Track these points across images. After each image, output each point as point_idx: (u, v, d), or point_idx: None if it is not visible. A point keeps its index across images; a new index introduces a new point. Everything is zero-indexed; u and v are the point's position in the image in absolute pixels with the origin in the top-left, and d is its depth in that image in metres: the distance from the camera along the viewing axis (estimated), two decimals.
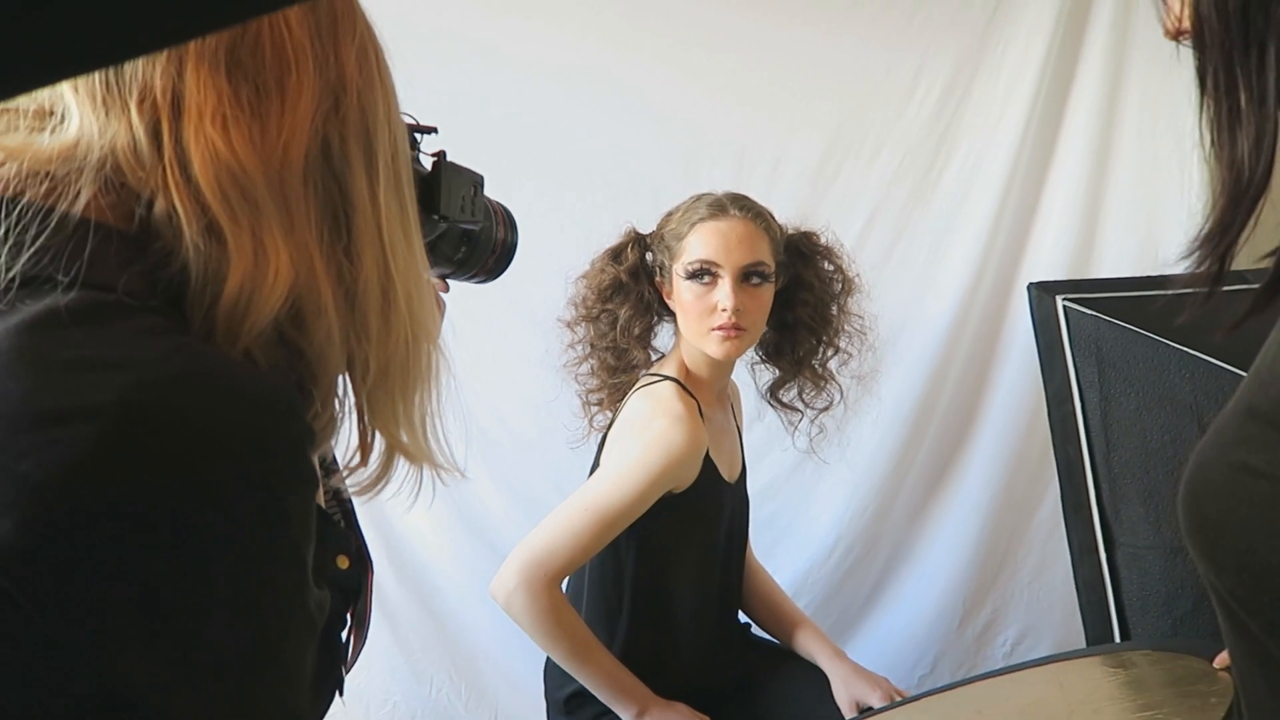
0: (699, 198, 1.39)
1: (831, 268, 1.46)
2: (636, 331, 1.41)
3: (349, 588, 0.63)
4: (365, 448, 0.57)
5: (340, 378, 0.55)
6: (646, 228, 1.46)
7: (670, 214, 1.41)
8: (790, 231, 1.44)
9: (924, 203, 1.89)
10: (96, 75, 0.48)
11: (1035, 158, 1.88)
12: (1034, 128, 1.87)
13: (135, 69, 0.48)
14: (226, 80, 0.49)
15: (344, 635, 0.63)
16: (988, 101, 1.87)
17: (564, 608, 1.27)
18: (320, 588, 0.51)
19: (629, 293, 1.41)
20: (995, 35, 1.87)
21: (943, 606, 1.95)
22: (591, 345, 1.45)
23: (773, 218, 1.40)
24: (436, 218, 0.67)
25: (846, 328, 1.47)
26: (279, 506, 0.45)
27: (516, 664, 1.82)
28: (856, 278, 1.47)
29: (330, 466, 0.60)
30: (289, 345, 0.51)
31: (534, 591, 1.23)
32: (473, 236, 0.77)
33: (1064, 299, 1.44)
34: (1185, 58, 1.63)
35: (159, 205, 0.48)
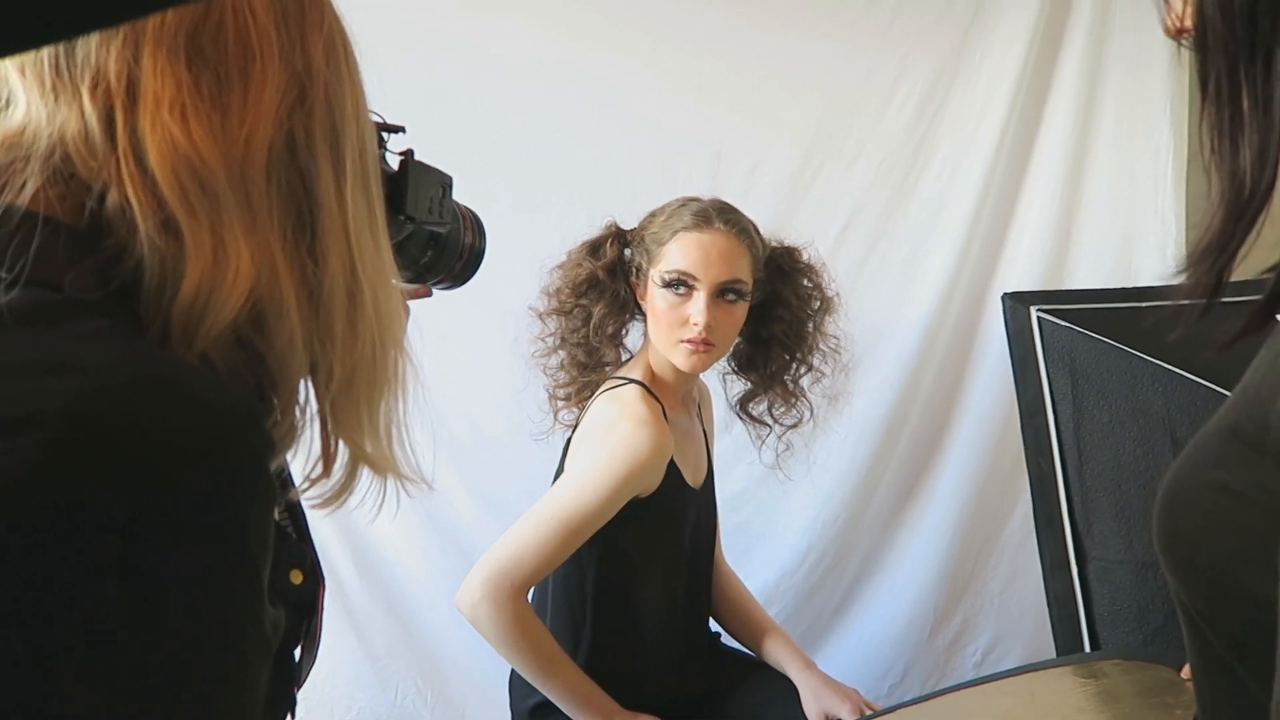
0: (685, 203, 1.36)
1: (810, 285, 1.45)
2: (609, 330, 1.39)
3: (303, 603, 0.60)
4: (328, 458, 0.55)
5: (303, 384, 0.53)
6: (625, 225, 1.44)
7: (654, 215, 1.39)
8: (773, 245, 1.43)
9: (901, 209, 1.90)
10: (45, 58, 0.46)
11: (1011, 166, 1.89)
12: (1010, 136, 1.88)
13: (88, 52, 0.46)
14: (186, 67, 0.46)
15: (296, 654, 0.60)
16: (965, 108, 1.88)
17: (529, 619, 1.25)
18: (275, 606, 0.49)
19: (604, 290, 1.38)
20: (974, 42, 1.88)
21: (913, 616, 1.95)
22: (562, 339, 1.42)
23: (757, 232, 1.38)
24: (403, 219, 0.65)
25: (821, 346, 1.46)
26: (237, 523, 0.42)
27: (483, 671, 1.80)
28: (835, 297, 1.46)
29: (285, 478, 0.57)
30: (249, 349, 0.49)
31: (499, 603, 1.21)
32: (440, 240, 0.75)
33: (1038, 310, 1.43)
34: (1162, 70, 1.63)
35: (111, 198, 0.46)
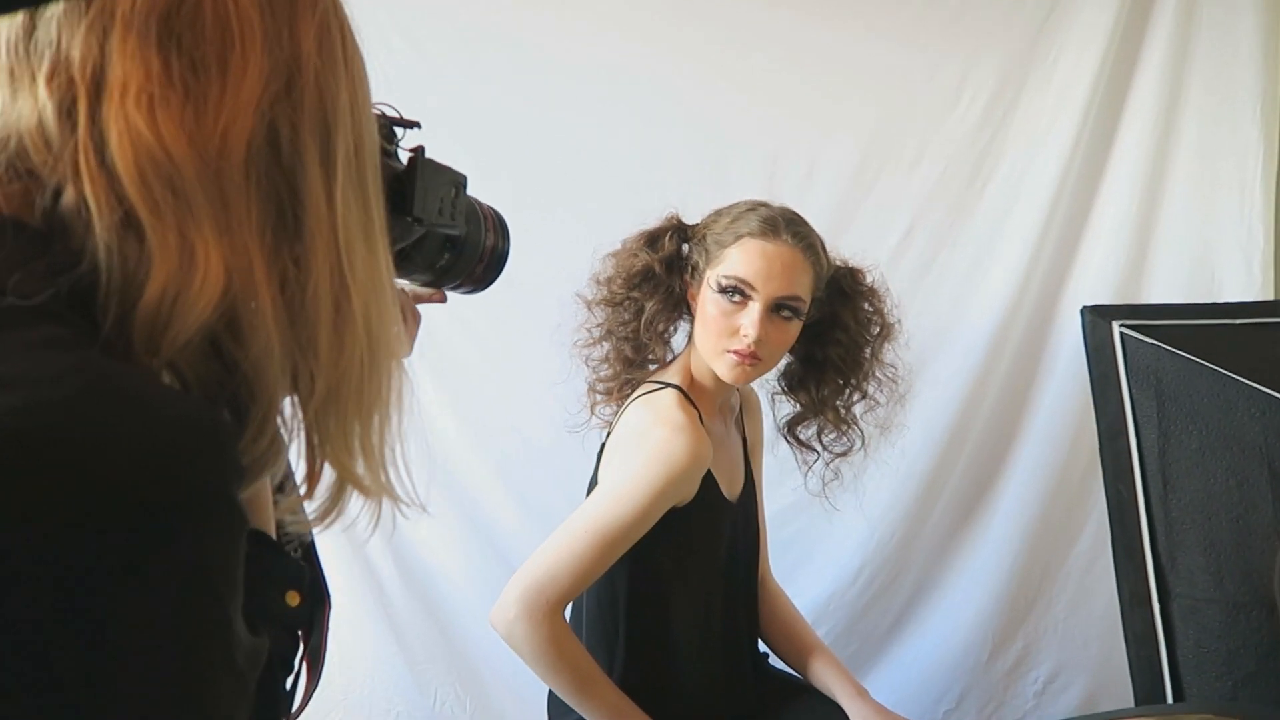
0: (754, 208, 1.30)
1: (871, 310, 1.38)
2: (660, 327, 1.33)
3: (299, 627, 0.57)
4: (312, 477, 0.51)
5: (291, 399, 0.49)
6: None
7: (720, 214, 1.32)
8: (837, 265, 1.37)
9: (965, 216, 1.83)
10: (2, 42, 0.42)
11: (1085, 172, 1.81)
12: (1085, 141, 1.80)
13: (50, 35, 0.42)
14: (157, 53, 0.42)
15: (289, 682, 0.56)
16: (1036, 111, 1.81)
17: (566, 638, 1.20)
18: (257, 633, 0.46)
19: (659, 284, 1.32)
20: (1047, 42, 1.80)
21: (971, 639, 1.88)
22: (609, 331, 1.36)
23: (824, 250, 1.32)
24: (410, 220, 0.60)
25: (877, 374, 1.39)
26: (195, 554, 0.38)
27: (522, 679, 1.75)
28: (896, 324, 1.39)
29: (277, 496, 0.53)
30: (223, 359, 0.45)
31: (535, 621, 1.16)
32: (457, 243, 0.71)
33: (1121, 325, 1.34)
34: (1250, 69, 1.53)
35: (68, 195, 0.42)
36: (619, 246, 1.36)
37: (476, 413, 1.80)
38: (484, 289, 0.76)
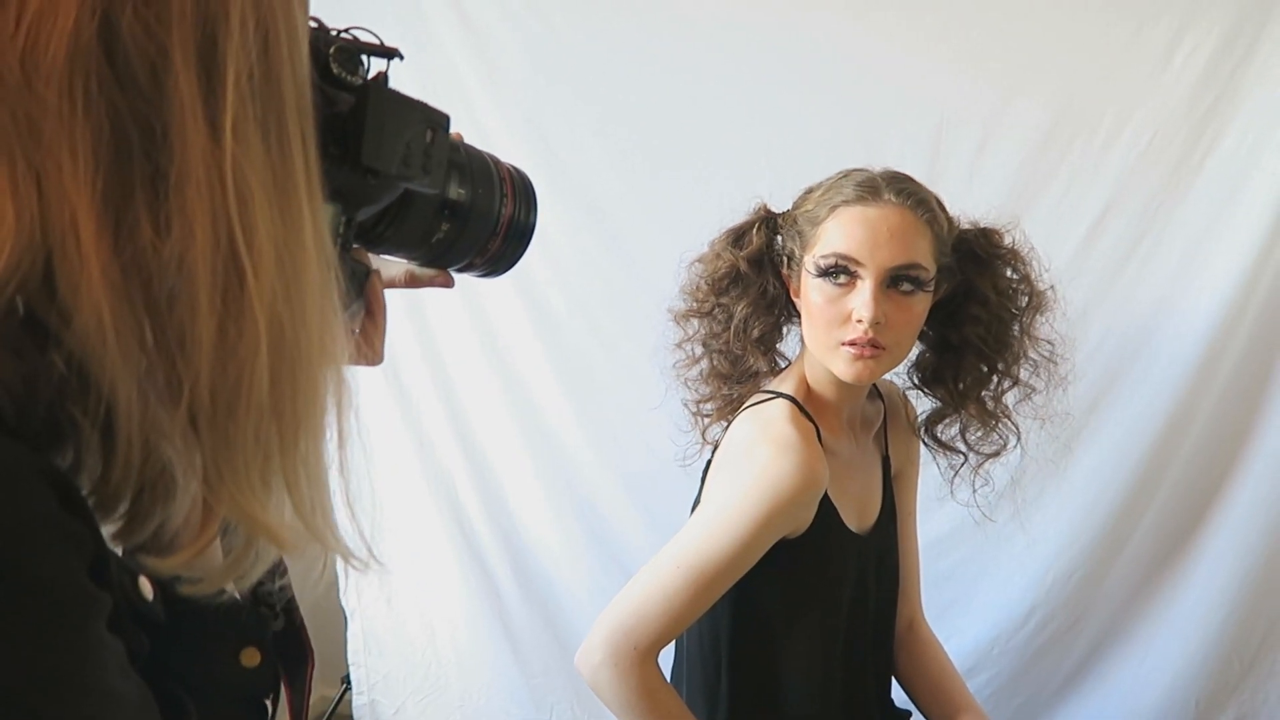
0: (848, 174, 1.14)
1: (1016, 276, 1.19)
2: (755, 334, 1.19)
3: (262, 694, 0.48)
4: (205, 523, 0.39)
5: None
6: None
7: (810, 191, 1.17)
8: (965, 227, 1.18)
9: (1178, 196, 1.62)
10: None
11: None
12: None
13: None
14: None
15: None
16: (1278, 68, 1.55)
17: (660, 689, 1.06)
18: (183, 715, 0.38)
19: (749, 285, 1.18)
20: None
21: (1168, 703, 1.67)
22: (703, 345, 1.24)
23: (941, 207, 1.14)
24: (363, 171, 0.44)
25: (1030, 355, 1.20)
26: None
27: None
28: (1049, 291, 1.20)
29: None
30: (57, 345, 0.35)
31: (622, 669, 1.03)
32: (459, 209, 0.54)
33: None
34: None
35: None
36: (704, 250, 1.23)
37: (603, 424, 1.76)
38: (502, 272, 0.60)
